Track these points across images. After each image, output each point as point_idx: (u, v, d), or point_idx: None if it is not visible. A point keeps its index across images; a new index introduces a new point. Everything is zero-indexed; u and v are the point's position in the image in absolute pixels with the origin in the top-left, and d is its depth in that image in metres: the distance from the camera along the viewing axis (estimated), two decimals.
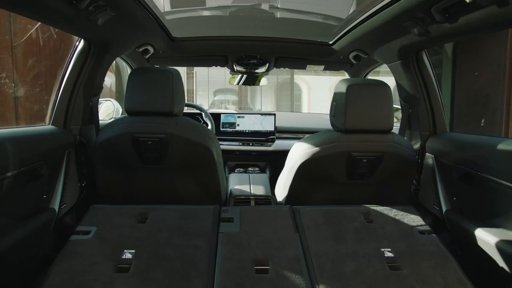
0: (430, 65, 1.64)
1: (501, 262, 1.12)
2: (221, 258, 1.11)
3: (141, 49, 1.88)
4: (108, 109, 2.75)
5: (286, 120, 2.75)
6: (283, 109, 12.09)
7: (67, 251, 1.12)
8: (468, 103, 3.53)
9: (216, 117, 2.57)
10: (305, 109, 11.84)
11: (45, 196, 1.40)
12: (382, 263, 1.12)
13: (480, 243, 1.22)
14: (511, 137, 2.59)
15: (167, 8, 1.71)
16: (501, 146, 1.24)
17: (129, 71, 2.54)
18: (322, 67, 2.35)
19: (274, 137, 2.57)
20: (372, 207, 1.42)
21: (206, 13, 1.94)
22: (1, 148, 1.11)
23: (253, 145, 2.55)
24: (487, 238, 1.18)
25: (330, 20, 1.85)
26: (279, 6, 1.82)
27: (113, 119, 2.38)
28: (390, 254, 1.15)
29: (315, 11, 1.82)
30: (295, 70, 9.20)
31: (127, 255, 1.10)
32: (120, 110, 2.67)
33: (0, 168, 1.10)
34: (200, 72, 9.99)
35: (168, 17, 1.76)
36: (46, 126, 1.52)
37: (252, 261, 1.10)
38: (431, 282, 1.04)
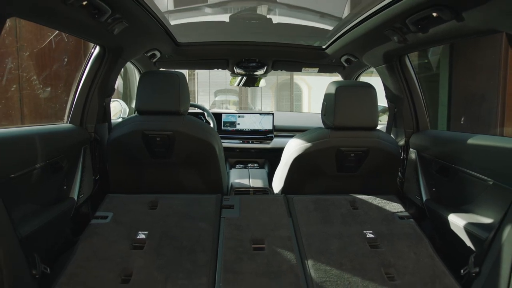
0: (413, 69, 1.81)
1: (467, 241, 1.28)
2: (223, 238, 1.27)
3: (149, 54, 2.04)
4: (116, 109, 2.91)
5: (284, 119, 2.92)
6: (283, 109, 12.25)
7: (89, 232, 1.28)
8: (465, 103, 3.68)
9: (217, 116, 2.73)
10: (305, 109, 11.99)
11: (65, 187, 1.57)
12: (364, 242, 1.28)
13: (452, 227, 1.37)
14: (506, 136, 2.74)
15: (171, 7, 1.84)
16: (470, 141, 1.40)
17: (136, 74, 2.71)
18: (317, 69, 2.52)
19: (272, 135, 2.73)
20: (358, 196, 1.58)
21: (208, 19, 2.10)
22: (32, 143, 1.28)
23: (252, 142, 2.71)
24: (457, 222, 1.34)
25: (324, 21, 2.00)
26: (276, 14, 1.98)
27: (120, 118, 2.55)
28: (371, 235, 1.31)
29: (311, 8, 1.96)
30: None
31: (141, 235, 1.26)
32: (127, 110, 2.83)
33: (31, 160, 1.27)
34: (202, 73, 10.16)
35: (173, 23, 1.91)
36: (65, 124, 1.68)
37: (250, 240, 1.26)
38: (405, 257, 1.20)
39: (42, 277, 1.04)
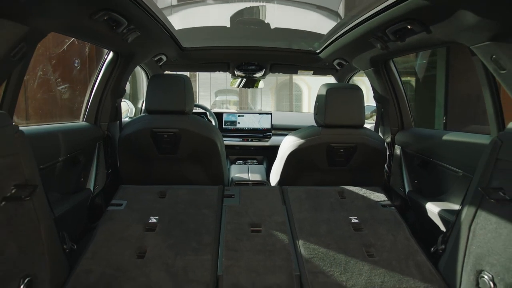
0: (397, 72, 1.98)
1: (440, 225, 1.45)
2: (224, 222, 1.44)
3: (156, 58, 2.21)
4: (123, 109, 3.09)
5: (282, 118, 3.09)
6: (283, 109, 12.42)
7: (106, 217, 1.45)
8: (461, 104, 3.82)
9: (219, 116, 2.91)
10: (305, 109, 12.15)
11: (82, 179, 1.74)
12: (349, 226, 1.45)
13: (429, 214, 1.54)
14: None
15: (174, 1, 1.97)
16: (445, 137, 1.57)
17: (143, 76, 2.89)
18: (311, 72, 2.69)
19: (271, 133, 2.90)
20: (346, 187, 1.75)
21: (209, 19, 2.26)
22: (56, 138, 1.46)
23: (252, 140, 2.88)
24: (433, 209, 1.51)
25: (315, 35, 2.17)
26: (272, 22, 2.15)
27: (127, 118, 2.72)
28: (355, 221, 1.48)
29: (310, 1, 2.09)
30: None
31: (153, 220, 1.43)
32: (134, 110, 3.00)
33: (56, 153, 1.45)
34: (203, 73, 10.35)
35: (178, 28, 2.07)
36: (82, 122, 1.85)
37: (248, 224, 1.43)
38: (384, 238, 1.37)
39: (70, 252, 1.22)
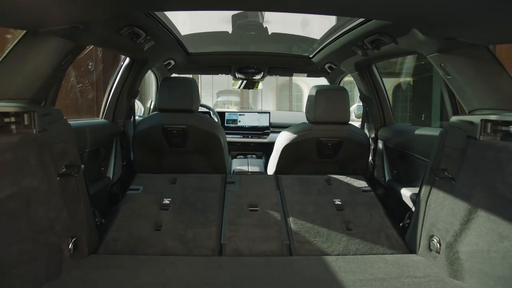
0: (379, 75, 2.23)
1: (410, 205, 1.70)
2: (227, 203, 1.70)
3: (165, 62, 2.48)
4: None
5: (279, 117, 3.35)
6: (284, 109, 12.67)
7: (126, 199, 1.71)
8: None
9: (221, 115, 3.17)
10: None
11: (103, 168, 2.00)
12: (333, 207, 1.70)
13: (403, 198, 1.80)
14: None
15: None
16: (417, 132, 1.82)
17: (152, 79, 3.15)
18: (305, 74, 2.95)
19: (269, 131, 3.16)
20: (333, 176, 2.00)
21: (213, 30, 2.51)
22: (83, 133, 1.71)
23: (251, 137, 3.14)
24: (406, 193, 1.76)
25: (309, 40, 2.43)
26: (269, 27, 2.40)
27: (137, 116, 2.98)
28: (339, 202, 1.73)
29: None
30: None
31: (166, 201, 1.69)
32: (143, 109, 3.27)
33: (84, 146, 1.70)
34: (205, 75, 10.60)
35: (184, 34, 2.32)
36: (101, 120, 2.12)
37: (247, 205, 1.69)
38: (361, 216, 1.62)
39: (100, 225, 1.47)
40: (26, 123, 1.03)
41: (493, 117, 1.08)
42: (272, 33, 2.54)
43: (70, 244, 1.17)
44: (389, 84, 6.59)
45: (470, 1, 0.72)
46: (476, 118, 1.14)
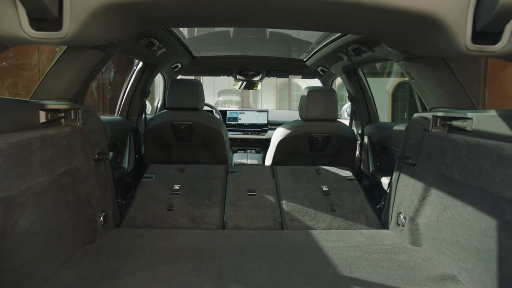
0: (365, 78, 2.49)
1: (387, 188, 1.96)
2: (228, 189, 1.96)
3: (173, 65, 2.74)
4: None
5: (277, 115, 3.62)
6: (284, 108, 12.93)
7: (142, 185, 1.98)
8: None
9: (223, 113, 3.44)
10: None
11: (119, 160, 2.27)
12: (320, 192, 1.96)
13: (383, 186, 2.06)
14: None
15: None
16: (395, 128, 2.08)
17: (160, 80, 3.42)
18: (300, 76, 3.21)
19: (267, 128, 3.42)
20: (322, 167, 2.26)
21: (216, 35, 2.77)
22: (105, 128, 1.98)
23: (251, 134, 3.41)
24: (385, 181, 2.02)
25: (303, 44, 2.69)
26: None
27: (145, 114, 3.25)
28: (325, 189, 1.99)
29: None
30: None
31: (176, 187, 1.96)
32: (150, 107, 3.53)
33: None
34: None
35: (189, 38, 2.57)
36: (117, 117, 2.38)
37: (246, 190, 1.95)
38: (344, 200, 1.89)
39: (120, 205, 1.74)
40: (72, 117, 1.29)
41: (440, 114, 1.35)
42: (271, 32, 2.78)
43: (101, 217, 1.44)
44: (389, 84, 6.84)
45: (407, 27, 0.98)
46: (429, 115, 1.40)
